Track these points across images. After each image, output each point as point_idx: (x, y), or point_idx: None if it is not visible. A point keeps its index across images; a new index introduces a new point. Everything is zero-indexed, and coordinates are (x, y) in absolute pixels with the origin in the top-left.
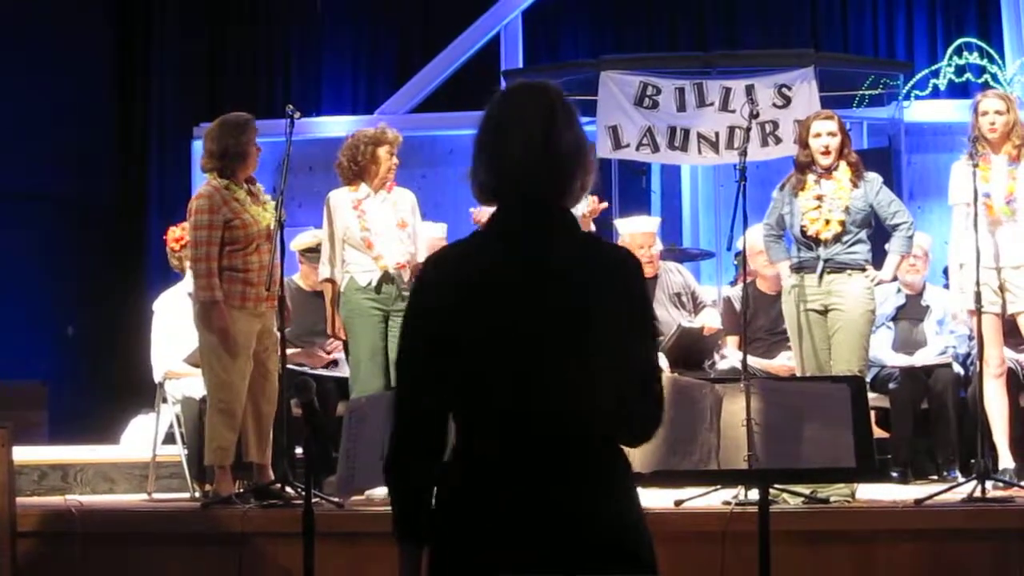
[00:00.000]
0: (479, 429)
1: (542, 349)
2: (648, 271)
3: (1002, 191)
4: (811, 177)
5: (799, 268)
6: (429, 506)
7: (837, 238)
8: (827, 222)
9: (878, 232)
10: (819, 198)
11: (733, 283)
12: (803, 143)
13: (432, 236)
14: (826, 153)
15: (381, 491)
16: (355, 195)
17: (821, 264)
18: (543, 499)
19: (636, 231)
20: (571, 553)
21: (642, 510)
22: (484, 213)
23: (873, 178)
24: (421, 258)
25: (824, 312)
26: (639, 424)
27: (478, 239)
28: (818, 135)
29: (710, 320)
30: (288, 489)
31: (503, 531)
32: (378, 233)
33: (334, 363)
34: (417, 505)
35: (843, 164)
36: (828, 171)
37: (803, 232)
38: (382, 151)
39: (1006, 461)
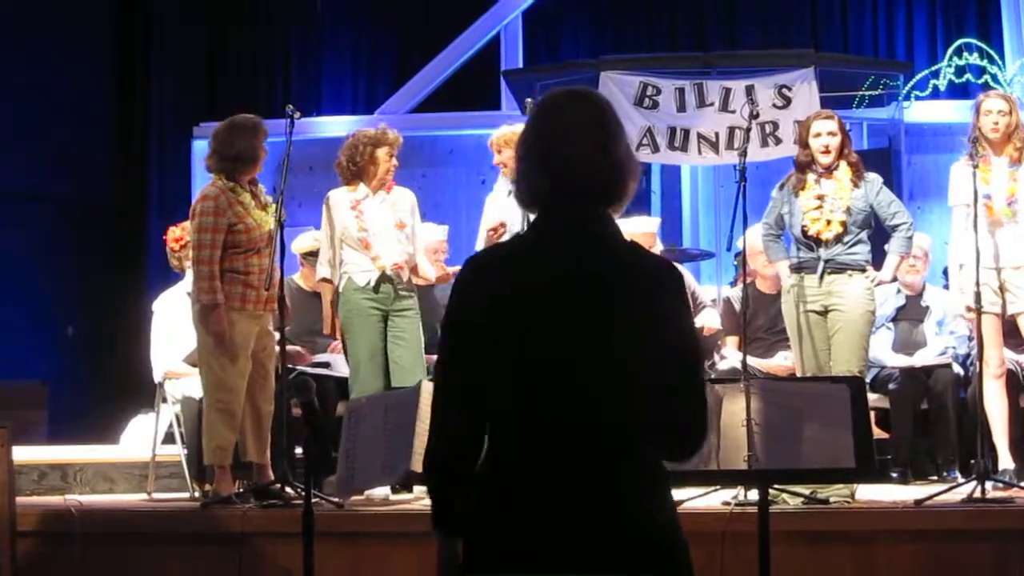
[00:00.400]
0: (514, 435)
1: (582, 358)
2: None
3: (1003, 192)
4: (811, 177)
5: (799, 268)
6: (465, 501)
7: (838, 239)
8: (828, 222)
9: (878, 232)
10: (820, 198)
11: (733, 283)
12: (803, 143)
13: (433, 238)
14: (826, 152)
15: (381, 491)
16: (354, 195)
17: (822, 264)
18: (575, 500)
19: (636, 231)
20: (602, 553)
21: (676, 512)
22: (499, 231)
23: (873, 178)
24: (419, 259)
25: (824, 313)
26: (681, 439)
27: (524, 244)
28: (818, 135)
29: (709, 320)
30: (288, 489)
31: (535, 531)
32: (376, 233)
33: (325, 364)
34: (453, 502)
35: (843, 164)
36: (828, 171)
37: (804, 232)
38: (381, 152)
39: (1006, 462)
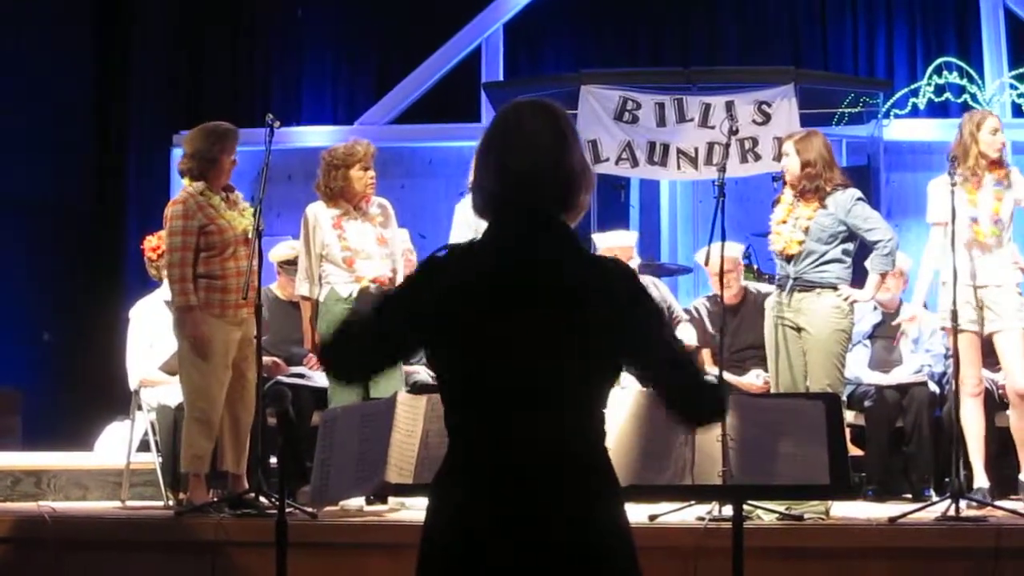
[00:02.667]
0: (470, 435)
1: (537, 357)
2: None
3: (988, 212)
4: (789, 193)
5: (777, 284)
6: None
7: (805, 255)
8: (787, 241)
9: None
10: (789, 213)
11: (709, 297)
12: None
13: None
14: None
15: (355, 501)
16: (334, 212)
17: (790, 282)
18: (533, 508)
19: (614, 245)
20: (560, 562)
21: (628, 520)
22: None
23: (844, 197)
24: (399, 266)
25: (798, 329)
26: (697, 403)
27: (480, 244)
28: (787, 154)
29: (686, 337)
30: (262, 499)
31: (491, 540)
32: (358, 251)
33: (300, 375)
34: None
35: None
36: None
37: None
38: (354, 172)
39: (981, 480)
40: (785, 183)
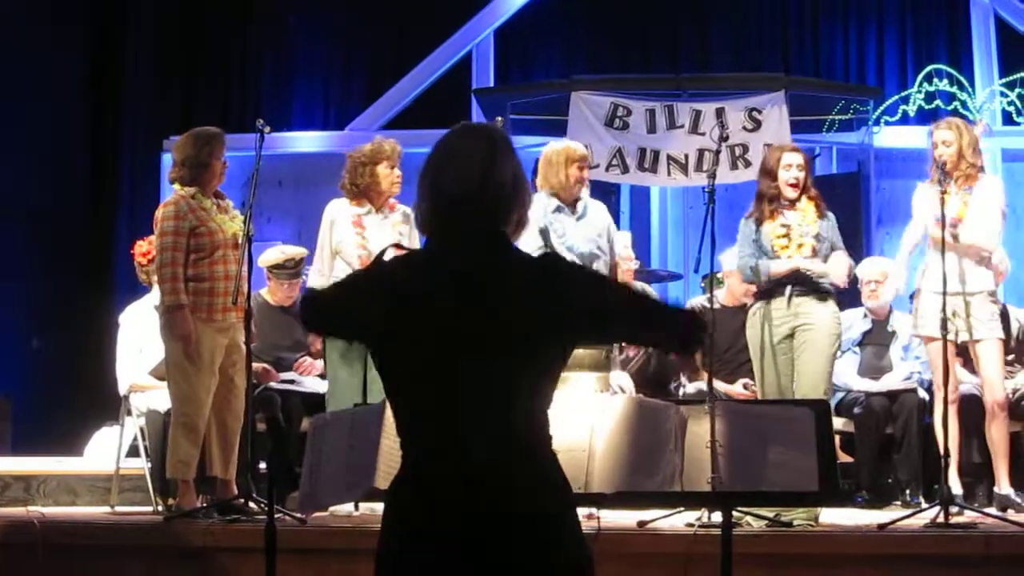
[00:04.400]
0: (418, 445)
1: (476, 362)
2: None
3: (951, 217)
4: (771, 208)
5: (765, 294)
6: None
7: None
8: (800, 246)
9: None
10: (786, 227)
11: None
12: (772, 174)
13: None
14: (795, 186)
15: (344, 508)
16: (357, 210)
17: (789, 288)
18: (482, 517)
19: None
20: (514, 570)
21: (580, 526)
22: None
23: (832, 216)
24: None
25: (790, 336)
26: (681, 334)
27: (415, 260)
28: (789, 167)
29: None
30: (251, 504)
31: (442, 550)
32: (374, 252)
33: (290, 381)
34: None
35: (804, 198)
36: (792, 203)
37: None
38: (381, 168)
39: (955, 487)
40: (760, 197)
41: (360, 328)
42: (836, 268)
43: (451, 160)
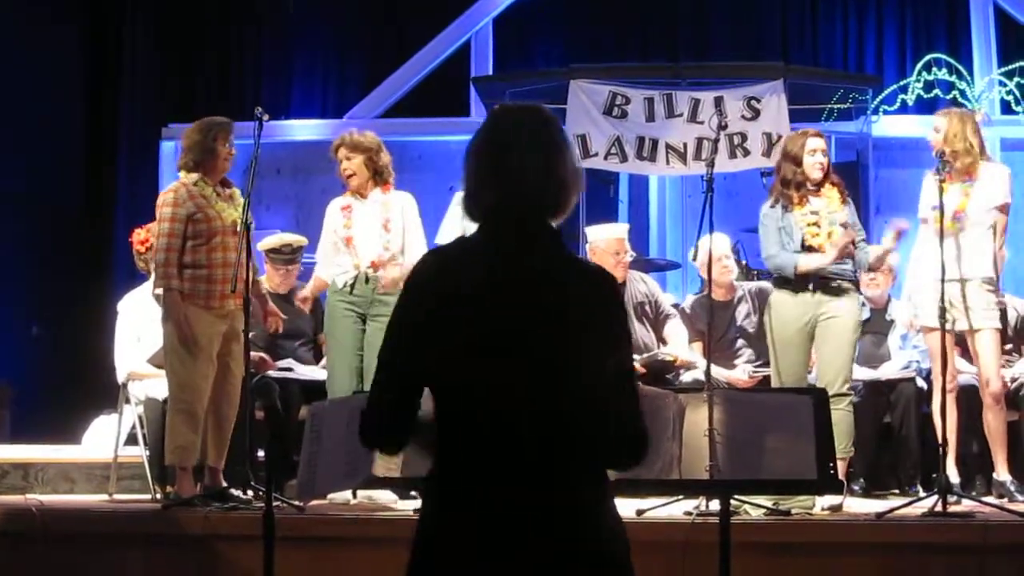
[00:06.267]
0: (464, 439)
1: (529, 359)
2: (619, 275)
3: (952, 207)
4: (799, 194)
5: (787, 283)
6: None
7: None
8: (829, 233)
9: None
10: (815, 213)
11: (698, 294)
12: (797, 160)
13: None
14: (821, 169)
15: (343, 495)
16: (345, 199)
17: (813, 277)
18: (527, 507)
19: (611, 237)
20: (556, 562)
21: (619, 515)
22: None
23: (852, 203)
24: (410, 257)
25: (811, 326)
26: (620, 442)
27: (469, 247)
28: (814, 151)
29: (683, 353)
30: (249, 492)
31: (486, 543)
32: (359, 232)
33: (288, 369)
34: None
35: (828, 184)
36: (817, 188)
37: (803, 246)
38: (341, 162)
39: (953, 476)
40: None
41: (417, 338)
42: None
43: (514, 145)
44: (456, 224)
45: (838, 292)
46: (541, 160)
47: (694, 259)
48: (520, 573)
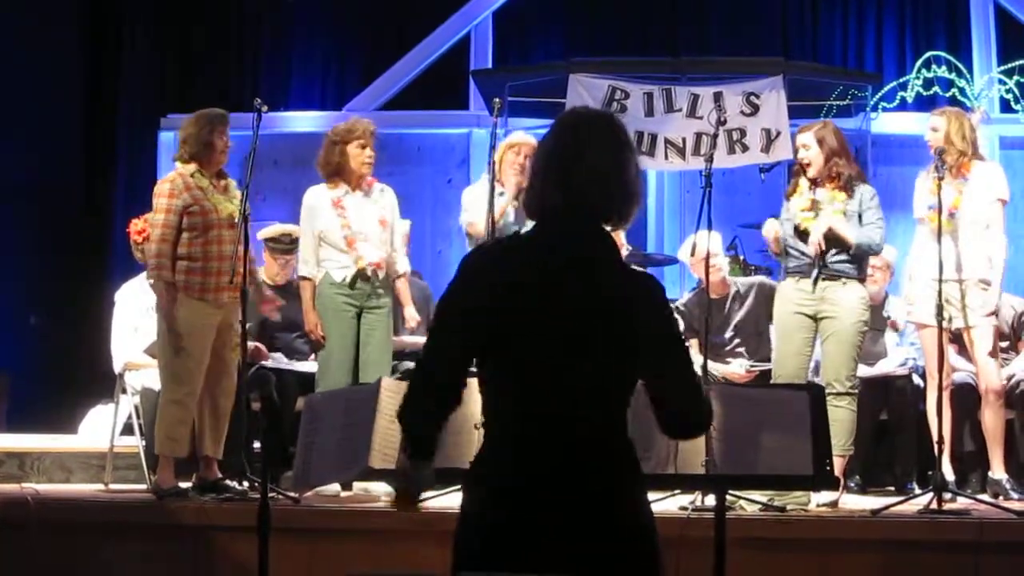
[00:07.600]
0: (511, 425)
1: (578, 351)
2: None
3: (947, 205)
4: (804, 183)
5: (793, 272)
6: (434, 440)
7: (833, 245)
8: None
9: None
10: (813, 202)
11: (695, 290)
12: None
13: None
14: (806, 166)
15: (335, 488)
16: (334, 193)
17: (815, 271)
18: (568, 498)
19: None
20: (596, 552)
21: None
22: (478, 225)
23: (867, 190)
24: (399, 256)
25: (814, 317)
26: (695, 419)
27: (527, 241)
28: (797, 148)
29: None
30: (244, 483)
31: (526, 530)
32: (359, 231)
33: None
34: (423, 441)
35: (832, 181)
36: (815, 182)
37: (796, 229)
38: (352, 148)
39: (948, 473)
40: (795, 174)
41: (465, 327)
42: (855, 231)
43: (586, 149)
44: (479, 207)
45: (840, 287)
46: (610, 164)
47: (692, 254)
48: (566, 555)
